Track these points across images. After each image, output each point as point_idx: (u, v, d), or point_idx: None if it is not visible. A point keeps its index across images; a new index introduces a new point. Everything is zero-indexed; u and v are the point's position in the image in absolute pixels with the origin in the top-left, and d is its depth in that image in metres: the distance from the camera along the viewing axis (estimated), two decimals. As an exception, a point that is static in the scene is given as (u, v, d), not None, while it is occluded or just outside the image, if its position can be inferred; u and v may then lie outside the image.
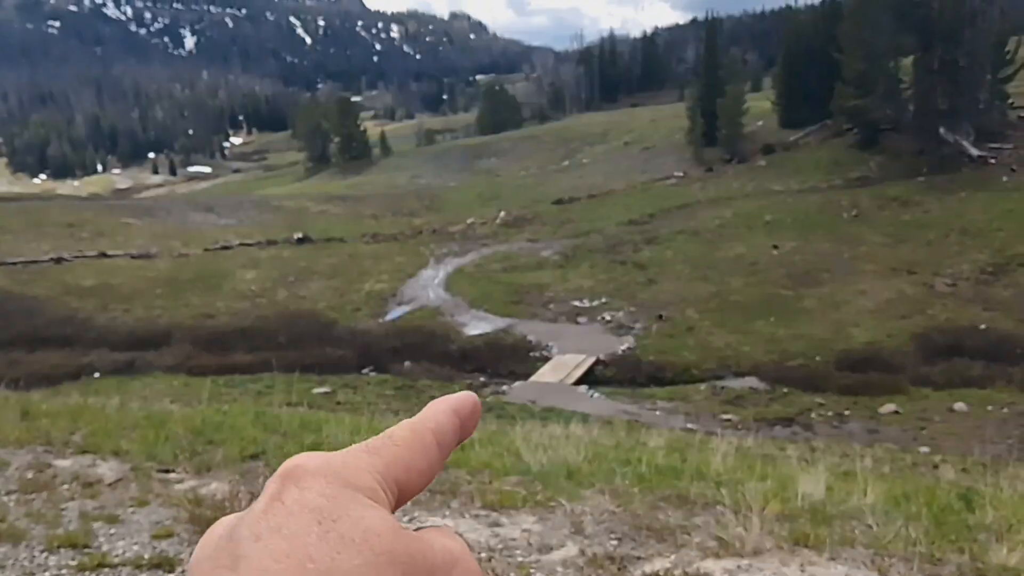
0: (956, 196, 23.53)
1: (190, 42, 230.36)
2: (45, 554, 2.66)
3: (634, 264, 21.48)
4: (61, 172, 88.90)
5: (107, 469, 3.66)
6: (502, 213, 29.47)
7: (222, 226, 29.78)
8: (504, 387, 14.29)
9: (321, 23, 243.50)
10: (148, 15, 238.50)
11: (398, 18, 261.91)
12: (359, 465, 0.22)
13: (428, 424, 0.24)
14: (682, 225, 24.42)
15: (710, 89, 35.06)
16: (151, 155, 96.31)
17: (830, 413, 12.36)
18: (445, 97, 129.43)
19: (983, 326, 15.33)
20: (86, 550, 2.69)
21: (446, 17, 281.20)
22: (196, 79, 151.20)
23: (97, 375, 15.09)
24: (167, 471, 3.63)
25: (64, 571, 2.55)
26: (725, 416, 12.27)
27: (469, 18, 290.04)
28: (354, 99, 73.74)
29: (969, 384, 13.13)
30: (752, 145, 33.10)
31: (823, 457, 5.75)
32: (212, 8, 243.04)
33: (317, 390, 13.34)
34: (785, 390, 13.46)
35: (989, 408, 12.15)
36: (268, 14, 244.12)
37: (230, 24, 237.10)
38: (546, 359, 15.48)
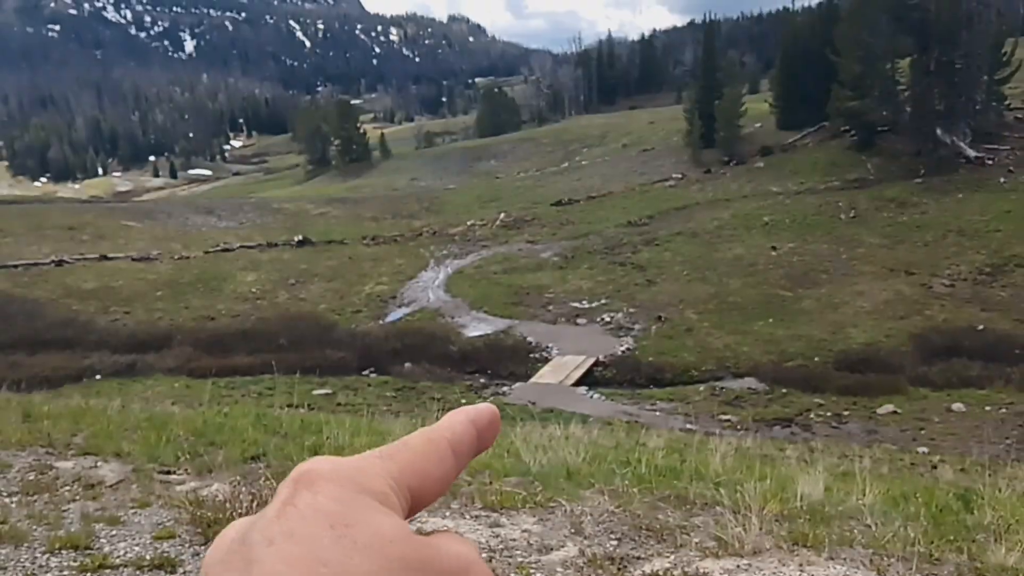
0: (953, 197, 23.61)
1: (190, 45, 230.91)
2: (47, 555, 2.67)
3: (633, 265, 21.50)
4: (62, 175, 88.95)
5: (108, 471, 3.67)
6: (501, 215, 29.50)
7: (222, 229, 29.78)
8: (504, 388, 14.31)
9: (320, 26, 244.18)
10: (148, 19, 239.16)
11: (397, 21, 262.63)
12: (372, 470, 0.22)
13: (444, 433, 0.24)
14: (680, 226, 24.47)
15: (708, 91, 35.14)
16: (151, 158, 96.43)
17: (829, 414, 12.38)
18: (444, 100, 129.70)
19: (981, 326, 15.35)
20: (88, 551, 2.70)
21: (445, 20, 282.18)
22: (196, 82, 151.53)
23: (98, 377, 15.09)
24: (168, 472, 3.65)
25: (66, 572, 2.55)
26: (724, 417, 12.29)
27: (468, 21, 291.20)
28: (354, 102, 73.90)
29: (967, 384, 13.14)
30: (750, 147, 33.17)
31: (822, 457, 5.76)
32: (212, 12, 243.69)
33: (318, 392, 13.35)
34: (784, 391, 13.47)
35: (987, 408, 12.17)
36: (268, 18, 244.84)
37: (230, 28, 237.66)
38: (546, 360, 15.50)
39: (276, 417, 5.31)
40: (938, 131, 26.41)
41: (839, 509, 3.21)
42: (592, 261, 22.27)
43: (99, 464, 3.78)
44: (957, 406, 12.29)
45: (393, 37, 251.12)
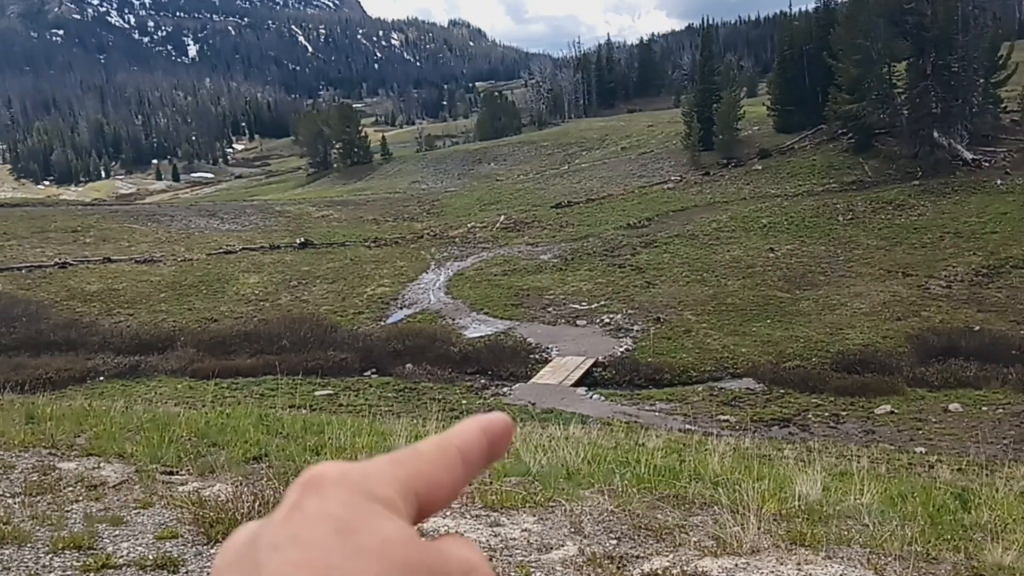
0: (950, 199, 23.68)
1: (193, 50, 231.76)
2: (50, 556, 2.68)
3: (632, 267, 21.55)
4: (65, 178, 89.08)
5: (111, 471, 3.68)
6: (502, 217, 29.57)
7: (225, 231, 29.83)
8: (504, 389, 14.32)
9: (322, 31, 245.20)
10: (151, 23, 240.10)
11: (398, 26, 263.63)
12: (380, 475, 0.22)
13: (455, 441, 0.24)
14: (679, 229, 24.51)
15: (706, 95, 35.25)
16: (154, 161, 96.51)
17: (826, 414, 12.38)
18: (445, 103, 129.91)
19: (977, 327, 15.39)
20: (91, 552, 2.71)
21: (446, 25, 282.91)
22: (199, 86, 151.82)
23: (102, 379, 15.09)
24: (171, 473, 3.67)
25: (69, 573, 2.57)
26: (723, 417, 12.31)
27: (468, 26, 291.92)
28: (355, 105, 74.13)
29: (964, 385, 13.16)
30: (748, 150, 33.25)
31: (820, 457, 5.78)
32: (215, 17, 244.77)
33: (319, 393, 13.38)
34: (782, 391, 13.48)
35: (984, 408, 12.19)
36: (270, 22, 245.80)
37: (232, 32, 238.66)
38: (546, 361, 15.52)
39: (278, 418, 5.33)
40: (935, 134, 26.49)
41: (837, 509, 3.23)
42: (591, 263, 22.31)
43: (102, 465, 3.80)
44: (954, 406, 12.31)
45: (394, 42, 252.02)
